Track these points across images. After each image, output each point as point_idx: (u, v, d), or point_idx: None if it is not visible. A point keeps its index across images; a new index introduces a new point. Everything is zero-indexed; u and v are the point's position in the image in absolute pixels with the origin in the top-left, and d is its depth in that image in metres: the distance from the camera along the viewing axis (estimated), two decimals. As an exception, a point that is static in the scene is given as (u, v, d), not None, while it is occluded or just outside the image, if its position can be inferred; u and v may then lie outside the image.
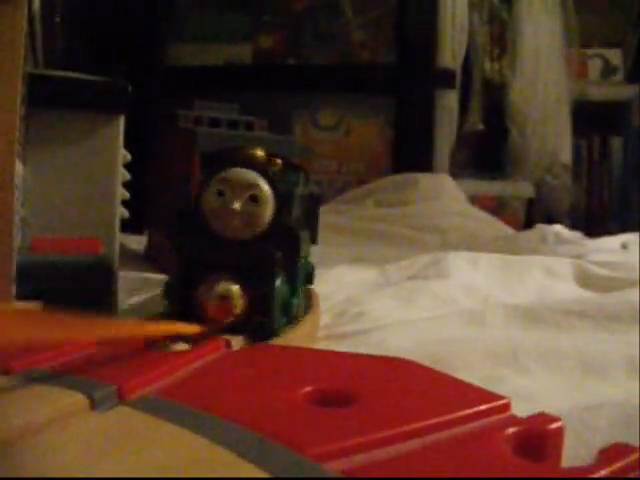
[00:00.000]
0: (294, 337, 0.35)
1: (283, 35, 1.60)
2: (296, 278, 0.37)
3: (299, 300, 0.38)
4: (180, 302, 0.33)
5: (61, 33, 1.23)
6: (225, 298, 0.32)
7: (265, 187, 0.33)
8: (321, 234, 0.42)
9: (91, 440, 0.20)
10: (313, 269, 0.45)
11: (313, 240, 0.43)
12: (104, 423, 0.21)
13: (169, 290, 0.34)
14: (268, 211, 0.33)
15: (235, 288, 0.32)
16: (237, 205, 0.32)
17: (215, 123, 0.66)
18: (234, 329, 0.32)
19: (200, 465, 0.19)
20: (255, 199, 0.33)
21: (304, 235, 0.38)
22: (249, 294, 0.33)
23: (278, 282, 0.34)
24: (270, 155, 0.37)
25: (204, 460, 0.19)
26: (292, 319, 0.36)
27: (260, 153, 0.35)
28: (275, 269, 0.33)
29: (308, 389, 0.24)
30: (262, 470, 0.18)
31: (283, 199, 0.34)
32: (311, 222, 0.43)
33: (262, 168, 0.34)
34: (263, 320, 0.33)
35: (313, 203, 0.43)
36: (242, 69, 1.59)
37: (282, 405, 0.23)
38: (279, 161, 0.37)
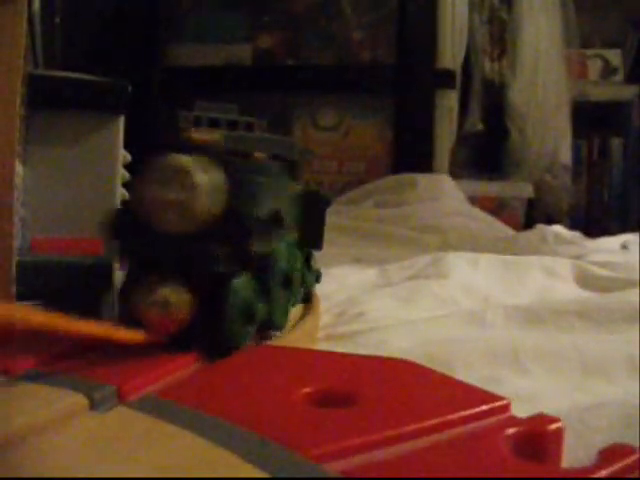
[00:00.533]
0: (294, 337, 0.35)
1: (283, 35, 1.59)
2: (267, 280, 0.32)
3: (277, 306, 0.34)
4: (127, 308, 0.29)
5: (61, 33, 1.23)
6: (167, 304, 0.27)
7: (199, 173, 0.29)
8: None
9: (91, 441, 0.20)
10: (319, 277, 0.43)
11: (318, 245, 0.41)
12: (104, 424, 0.21)
13: (120, 294, 0.30)
14: (205, 200, 0.29)
15: (179, 292, 0.28)
16: (171, 194, 0.28)
17: (214, 123, 0.66)
18: (183, 342, 0.28)
19: (200, 465, 0.19)
20: (192, 187, 0.28)
21: (281, 233, 0.34)
22: (198, 299, 0.28)
23: (238, 282, 0.29)
24: (233, 149, 0.34)
25: (204, 461, 0.19)
26: (268, 330, 0.33)
27: (202, 137, 0.31)
28: (220, 266, 0.29)
29: (308, 390, 0.24)
30: (262, 471, 0.18)
31: (233, 188, 0.30)
32: (314, 226, 0.41)
33: (201, 152, 0.30)
34: (216, 331, 0.29)
35: (315, 205, 0.41)
36: (242, 69, 1.59)
37: (282, 406, 0.23)
38: (260, 155, 0.35)
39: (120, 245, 0.31)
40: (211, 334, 0.29)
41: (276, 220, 0.34)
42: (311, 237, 0.41)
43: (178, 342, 0.28)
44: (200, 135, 0.31)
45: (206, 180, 0.29)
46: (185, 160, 0.29)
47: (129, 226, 0.30)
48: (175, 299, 0.28)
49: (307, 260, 0.42)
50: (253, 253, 0.30)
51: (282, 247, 0.34)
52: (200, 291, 0.28)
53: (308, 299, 0.43)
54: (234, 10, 1.61)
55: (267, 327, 0.33)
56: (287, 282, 0.35)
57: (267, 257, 0.32)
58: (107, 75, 0.44)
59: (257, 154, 0.35)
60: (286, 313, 0.36)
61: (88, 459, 0.19)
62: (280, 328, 0.35)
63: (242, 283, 0.30)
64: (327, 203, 0.42)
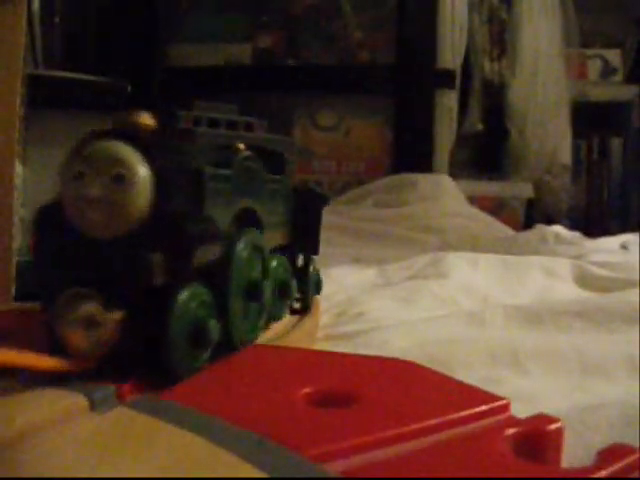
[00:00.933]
0: (294, 337, 0.35)
1: (282, 35, 1.59)
2: (228, 292, 0.27)
3: (236, 322, 0.28)
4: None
5: (61, 33, 1.23)
6: (91, 323, 0.23)
7: (137, 163, 0.24)
8: (321, 234, 0.40)
9: (91, 441, 0.20)
10: (319, 286, 0.40)
11: (313, 249, 0.38)
12: (104, 424, 0.21)
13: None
14: (143, 196, 0.24)
15: (106, 309, 0.23)
16: (95, 189, 0.23)
17: (214, 123, 0.66)
18: (116, 369, 0.24)
19: (199, 466, 0.19)
20: (121, 179, 0.24)
21: (249, 236, 0.29)
22: (132, 316, 0.24)
23: (183, 295, 0.24)
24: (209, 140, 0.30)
25: (203, 461, 0.19)
26: (229, 348, 0.28)
27: (144, 121, 0.26)
28: (153, 277, 0.23)
29: (307, 390, 0.24)
30: (261, 470, 0.18)
31: (171, 182, 0.25)
32: (309, 227, 0.38)
33: (138, 138, 0.25)
34: (157, 356, 0.24)
35: (309, 204, 0.37)
36: (242, 69, 1.59)
37: (282, 406, 0.23)
38: (242, 146, 0.31)
39: (37, 249, 0.25)
40: (151, 360, 0.24)
41: (243, 220, 0.30)
42: (305, 240, 0.38)
43: (110, 369, 0.24)
44: (133, 117, 0.26)
45: (142, 173, 0.24)
46: (121, 147, 0.24)
47: (52, 227, 0.25)
48: (101, 317, 0.23)
49: (306, 266, 0.39)
50: (196, 261, 0.25)
51: (244, 252, 0.29)
52: (134, 307, 0.24)
53: (305, 310, 0.39)
54: (234, 10, 1.61)
55: (227, 347, 0.28)
56: (253, 293, 0.30)
57: (225, 264, 0.27)
58: (107, 75, 0.44)
59: (239, 145, 0.32)
60: (253, 329, 0.31)
61: (88, 459, 0.19)
62: (242, 347, 0.30)
63: (189, 297, 0.25)
64: (323, 201, 0.38)
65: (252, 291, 0.29)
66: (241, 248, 0.29)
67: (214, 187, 0.27)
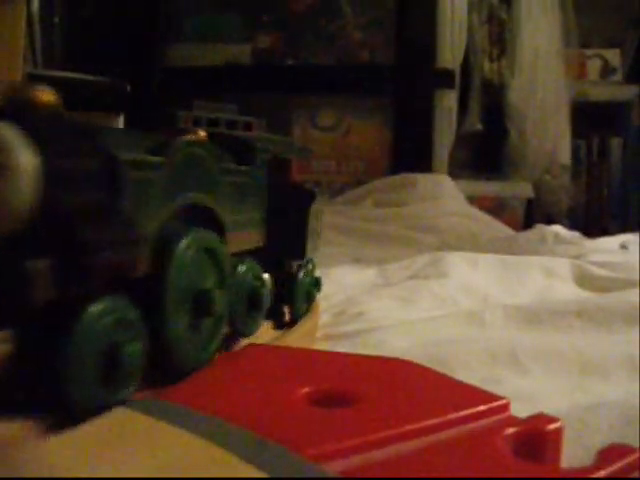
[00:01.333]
0: (294, 337, 0.35)
1: (282, 35, 1.59)
2: (163, 305, 0.23)
3: (177, 341, 0.24)
4: None
5: (60, 33, 1.23)
6: None
7: (20, 149, 0.19)
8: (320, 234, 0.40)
9: (91, 441, 0.20)
10: (311, 294, 0.38)
11: (298, 253, 0.35)
12: (103, 424, 0.21)
13: None
14: (28, 189, 0.19)
15: None
16: None
17: (213, 123, 0.66)
18: (8, 404, 0.20)
19: (199, 466, 0.18)
20: (2, 170, 0.19)
21: (194, 237, 0.25)
22: (21, 341, 0.20)
23: (91, 313, 0.20)
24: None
25: (203, 461, 0.19)
26: (175, 371, 0.24)
27: (41, 97, 0.22)
28: (35, 290, 0.18)
29: (307, 389, 0.24)
30: (261, 471, 0.18)
31: (65, 170, 0.20)
32: (293, 228, 0.34)
33: (31, 118, 0.20)
34: (55, 392, 0.20)
35: (295, 203, 0.34)
36: (241, 69, 1.59)
37: (281, 406, 0.23)
38: (203, 133, 0.28)
39: None
40: (50, 396, 0.20)
41: (192, 218, 0.26)
42: (289, 242, 0.34)
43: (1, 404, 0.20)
44: (34, 93, 0.21)
45: (27, 160, 0.19)
46: (4, 131, 0.19)
47: None
48: None
49: (297, 271, 0.37)
50: (98, 270, 0.20)
51: (185, 256, 0.24)
52: (25, 329, 0.20)
53: (294, 323, 0.36)
54: (234, 10, 1.61)
55: (169, 373, 0.24)
56: (203, 305, 0.25)
57: (158, 272, 0.23)
58: (107, 75, 0.44)
59: (200, 132, 0.29)
60: (207, 348, 0.27)
61: (88, 459, 0.19)
62: (191, 370, 0.25)
63: (100, 313, 0.20)
64: (310, 199, 0.34)
65: (201, 303, 0.25)
66: (181, 251, 0.24)
67: (137, 176, 0.22)
